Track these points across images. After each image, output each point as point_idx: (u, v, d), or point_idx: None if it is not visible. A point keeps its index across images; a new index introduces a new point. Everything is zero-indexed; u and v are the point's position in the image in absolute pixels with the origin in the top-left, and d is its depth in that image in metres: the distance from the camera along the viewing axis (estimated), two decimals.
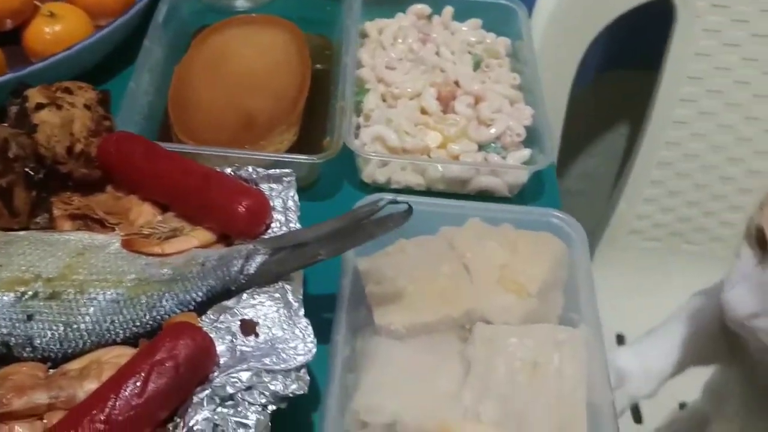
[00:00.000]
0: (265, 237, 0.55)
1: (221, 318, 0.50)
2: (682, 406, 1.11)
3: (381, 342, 0.55)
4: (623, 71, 1.26)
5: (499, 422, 0.49)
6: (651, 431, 1.06)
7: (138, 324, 0.51)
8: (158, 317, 0.51)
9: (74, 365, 0.49)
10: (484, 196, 0.70)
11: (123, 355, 0.49)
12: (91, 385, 0.46)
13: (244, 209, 0.54)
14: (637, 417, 1.13)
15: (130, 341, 0.51)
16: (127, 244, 0.55)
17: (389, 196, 0.54)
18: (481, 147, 0.70)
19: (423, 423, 0.49)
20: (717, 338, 0.60)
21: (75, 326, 0.50)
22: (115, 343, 0.51)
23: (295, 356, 0.48)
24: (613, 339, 1.14)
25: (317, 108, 0.74)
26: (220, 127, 0.71)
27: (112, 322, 0.51)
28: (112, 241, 0.56)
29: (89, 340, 0.51)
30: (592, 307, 0.56)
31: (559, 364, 0.52)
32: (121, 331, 0.51)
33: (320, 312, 0.52)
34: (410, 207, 0.50)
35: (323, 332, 0.52)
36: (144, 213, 0.59)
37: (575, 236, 0.60)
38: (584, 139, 1.41)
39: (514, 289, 0.56)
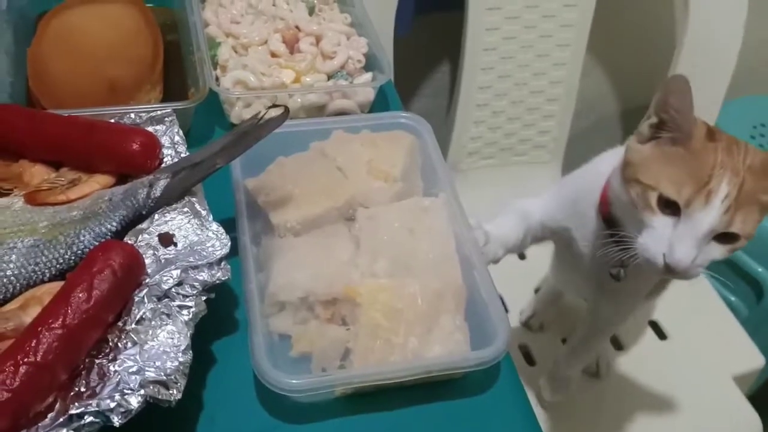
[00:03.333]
0: (162, 167, 0.61)
1: (140, 238, 0.57)
2: (537, 290, 1.29)
3: (281, 240, 0.64)
4: (437, 15, 1.40)
5: (391, 274, 0.60)
6: (515, 314, 1.23)
7: (61, 261, 0.56)
8: (79, 252, 0.57)
9: (11, 306, 0.54)
10: None
11: (56, 286, 0.54)
12: (35, 311, 0.51)
13: (138, 145, 0.60)
14: (504, 307, 1.29)
15: (58, 278, 0.56)
16: (30, 199, 0.59)
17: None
18: (330, 77, 0.81)
19: (331, 290, 0.59)
20: (545, 230, 0.80)
21: (1, 274, 0.55)
22: (43, 282, 0.56)
23: (214, 252, 0.56)
24: None
25: (175, 72, 0.81)
26: (84, 96, 0.75)
27: (36, 264, 0.56)
28: (14, 200, 0.60)
29: (18, 284, 0.55)
30: (446, 179, 0.68)
31: (429, 224, 0.64)
32: (46, 271, 0.56)
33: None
34: (287, 108, 0.59)
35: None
36: (38, 173, 0.63)
37: (422, 129, 0.72)
38: (412, 82, 1.55)
39: (381, 177, 0.67)
